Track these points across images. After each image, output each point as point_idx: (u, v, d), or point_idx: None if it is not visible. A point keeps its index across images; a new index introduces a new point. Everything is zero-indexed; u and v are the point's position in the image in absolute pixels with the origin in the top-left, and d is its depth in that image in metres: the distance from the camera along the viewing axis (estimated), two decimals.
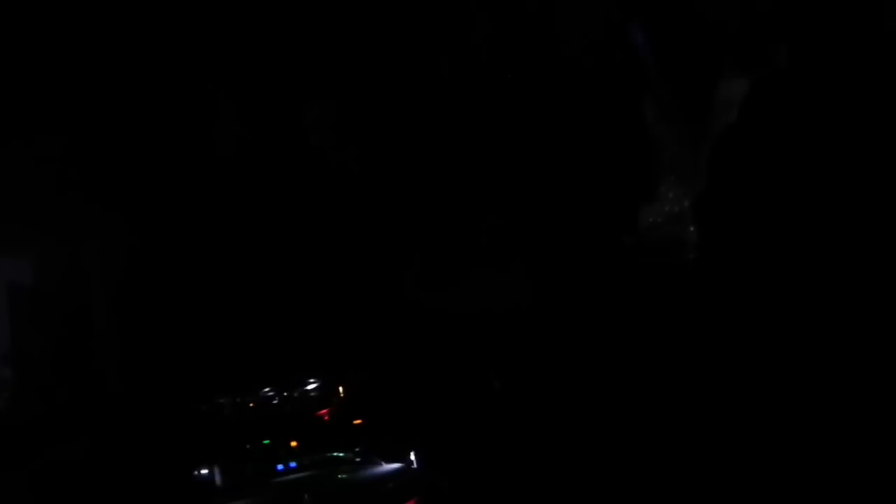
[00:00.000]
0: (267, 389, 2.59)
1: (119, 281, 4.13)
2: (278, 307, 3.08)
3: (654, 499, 1.87)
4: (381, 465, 1.91)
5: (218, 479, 2.00)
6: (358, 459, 1.96)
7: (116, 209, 4.14)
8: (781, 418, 1.77)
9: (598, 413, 1.94)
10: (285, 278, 3.00)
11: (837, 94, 1.83)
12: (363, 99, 2.30)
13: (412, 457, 1.86)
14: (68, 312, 4.42)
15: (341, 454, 2.03)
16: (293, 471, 2.10)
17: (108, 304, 4.22)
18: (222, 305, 3.40)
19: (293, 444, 2.29)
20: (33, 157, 4.46)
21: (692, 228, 1.86)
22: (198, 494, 2.00)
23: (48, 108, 4.33)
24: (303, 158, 2.51)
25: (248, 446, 2.27)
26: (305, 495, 1.76)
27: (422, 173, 2.17)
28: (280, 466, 2.14)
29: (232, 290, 3.49)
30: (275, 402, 2.55)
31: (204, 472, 2.05)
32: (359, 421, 2.36)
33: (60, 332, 4.36)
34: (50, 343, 4.35)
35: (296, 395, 2.57)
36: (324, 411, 2.47)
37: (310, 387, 2.57)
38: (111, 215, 4.15)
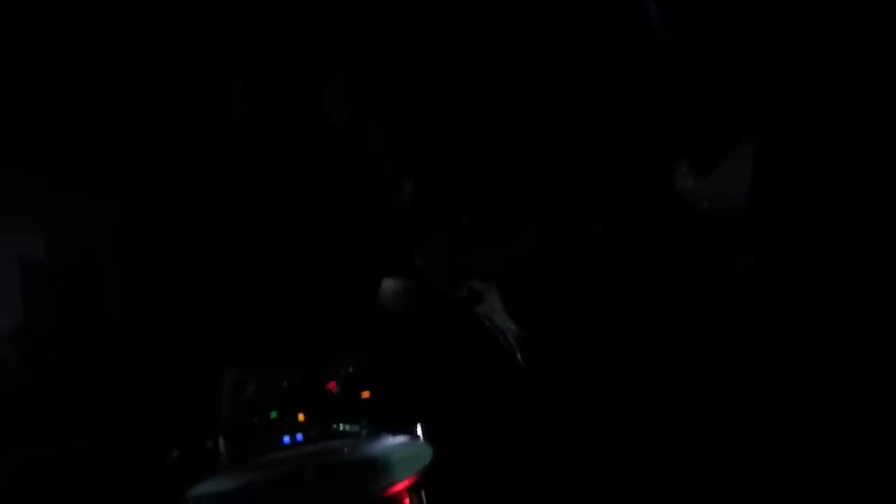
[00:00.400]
0: (275, 364, 2.60)
1: (130, 256, 4.14)
2: (286, 283, 3.09)
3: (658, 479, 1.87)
4: (387, 438, 1.91)
5: (223, 451, 2.01)
6: (363, 432, 1.97)
7: (130, 184, 4.15)
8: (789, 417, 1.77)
9: (615, 394, 1.93)
10: (293, 253, 3.00)
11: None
12: (383, 70, 2.27)
13: (418, 430, 1.86)
14: (80, 288, 4.44)
15: (346, 427, 2.03)
16: (300, 444, 2.11)
17: (119, 280, 4.23)
18: (231, 282, 3.41)
19: (300, 417, 2.30)
20: (48, 132, 4.47)
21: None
22: (204, 467, 2.01)
23: (62, 83, 4.33)
24: (321, 132, 2.50)
25: (254, 420, 2.28)
26: (310, 468, 1.76)
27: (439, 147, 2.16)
28: (287, 439, 2.14)
29: (240, 267, 3.49)
30: (283, 376, 2.56)
31: (210, 444, 2.06)
32: (366, 394, 2.36)
33: (72, 308, 4.38)
34: (62, 319, 4.37)
35: (303, 369, 2.58)
36: (331, 385, 2.48)
37: (317, 361, 2.58)
38: (125, 190, 4.16)
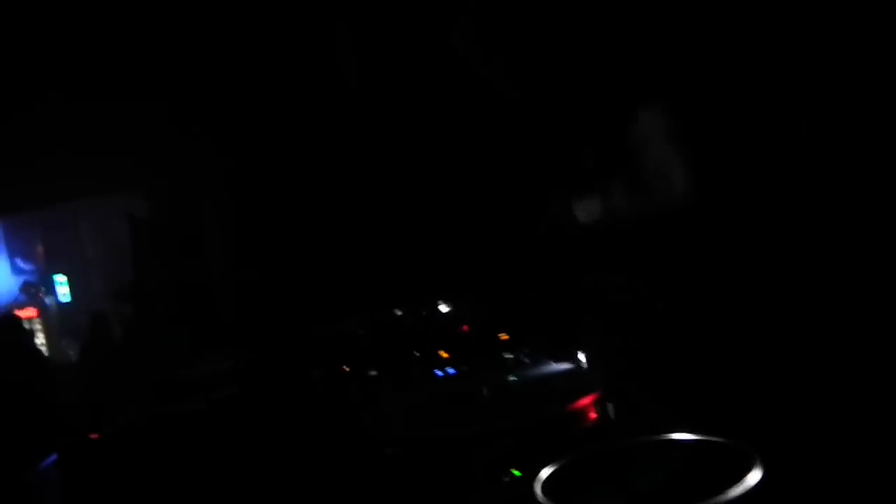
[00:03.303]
0: (401, 310, 2.68)
1: (241, 207, 4.22)
2: (416, 228, 3.14)
3: None
4: (551, 365, 1.97)
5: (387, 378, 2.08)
6: (526, 361, 2.03)
7: (235, 140, 4.23)
8: None
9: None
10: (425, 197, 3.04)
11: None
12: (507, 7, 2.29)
13: (581, 358, 1.92)
14: (188, 244, 4.53)
15: (510, 356, 2.09)
16: (453, 377, 2.17)
17: (230, 230, 4.32)
18: (356, 229, 3.48)
19: (443, 354, 2.37)
20: (150, 94, 4.57)
21: None
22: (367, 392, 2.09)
23: (164, 46, 4.42)
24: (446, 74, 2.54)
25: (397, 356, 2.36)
26: (484, 389, 1.82)
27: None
28: (439, 372, 2.21)
29: (363, 215, 3.56)
30: (411, 320, 2.63)
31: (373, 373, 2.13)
32: (505, 336, 2.43)
33: (180, 264, 4.48)
34: (171, 274, 4.46)
35: (433, 313, 2.65)
36: (465, 327, 2.55)
37: (445, 307, 2.65)
38: (230, 146, 4.24)
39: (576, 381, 1.81)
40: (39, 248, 9.44)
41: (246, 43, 4.00)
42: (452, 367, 2.23)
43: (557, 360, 1.97)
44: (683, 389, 1.92)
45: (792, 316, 1.75)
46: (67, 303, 9.01)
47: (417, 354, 2.35)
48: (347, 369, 2.15)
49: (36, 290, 8.99)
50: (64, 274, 9.07)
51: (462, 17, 2.28)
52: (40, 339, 8.32)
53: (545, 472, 1.34)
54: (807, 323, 1.74)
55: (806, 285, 1.78)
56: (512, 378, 1.95)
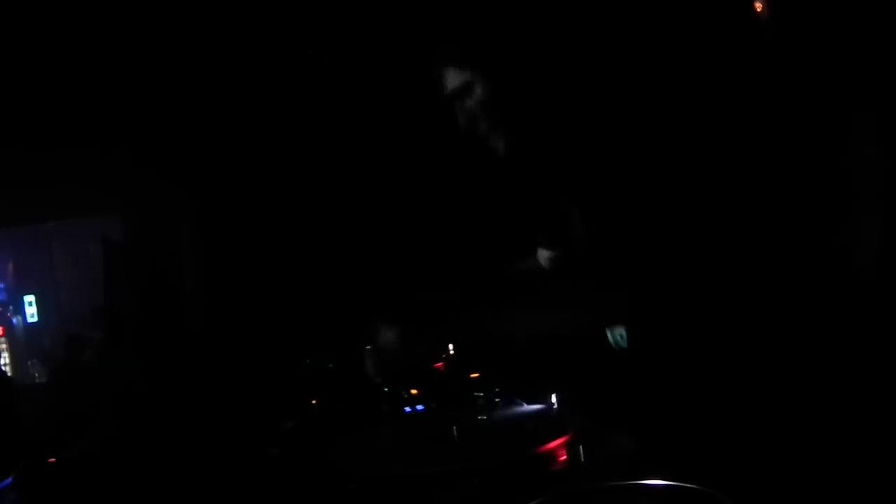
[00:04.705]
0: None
1: (213, 238, 4.19)
2: (380, 265, 3.12)
3: None
4: (522, 405, 1.95)
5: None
6: (497, 400, 2.00)
7: (212, 167, 4.21)
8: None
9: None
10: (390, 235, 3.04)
11: None
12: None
13: (553, 399, 1.90)
14: (160, 270, 4.48)
15: (480, 394, 2.07)
16: (422, 413, 2.14)
17: (200, 260, 4.28)
18: (325, 264, 3.46)
19: (413, 391, 2.34)
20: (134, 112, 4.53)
21: None
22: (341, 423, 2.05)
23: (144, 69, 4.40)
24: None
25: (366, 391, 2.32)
26: (453, 427, 1.80)
27: None
28: (408, 409, 2.18)
29: (332, 251, 3.54)
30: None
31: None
32: (475, 375, 2.40)
33: (152, 290, 4.43)
34: (143, 300, 4.41)
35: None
36: (439, 365, 2.52)
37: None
38: (206, 174, 4.22)
39: (547, 422, 1.78)
40: (11, 267, 9.30)
41: (221, 77, 4.00)
42: (422, 403, 2.20)
43: (529, 401, 1.95)
44: (656, 433, 1.90)
45: (770, 360, 1.74)
46: (34, 323, 8.84)
47: (387, 390, 2.31)
48: (315, 402, 2.12)
49: (3, 308, 8.86)
50: (34, 294, 8.91)
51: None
52: (4, 360, 8.19)
53: None
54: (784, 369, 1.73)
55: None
56: (482, 417, 1.92)
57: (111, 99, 4.46)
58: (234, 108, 4.03)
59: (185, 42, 4.09)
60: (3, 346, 8.37)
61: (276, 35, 3.82)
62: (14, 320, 8.82)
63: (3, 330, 8.54)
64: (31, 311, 8.85)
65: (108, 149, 4.54)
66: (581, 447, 1.62)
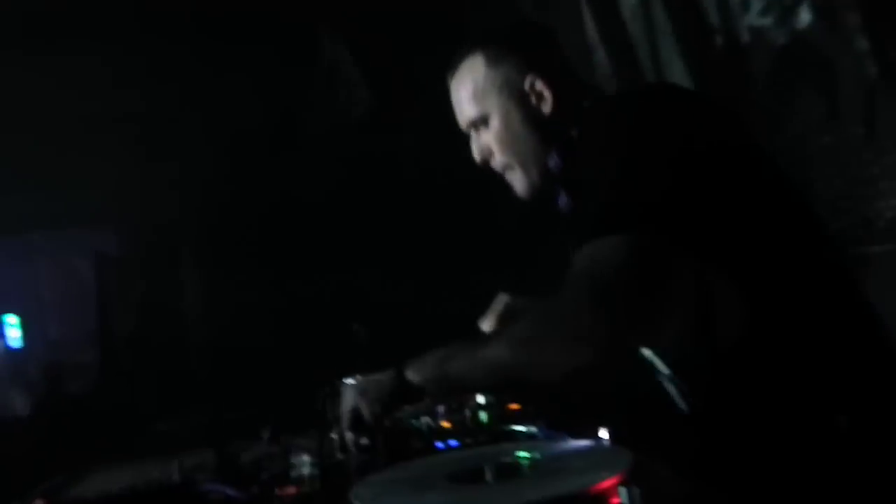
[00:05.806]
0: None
1: (212, 255, 4.03)
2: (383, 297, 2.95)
3: None
4: (568, 441, 1.74)
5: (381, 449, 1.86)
6: (540, 435, 1.81)
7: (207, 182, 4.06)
8: None
9: None
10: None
11: None
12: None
13: (602, 434, 1.70)
14: (157, 286, 4.30)
15: (521, 429, 1.87)
16: (455, 449, 1.95)
17: (199, 277, 4.12)
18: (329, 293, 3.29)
19: (445, 424, 2.15)
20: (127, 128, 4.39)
21: None
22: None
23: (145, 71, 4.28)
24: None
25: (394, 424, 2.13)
26: (488, 465, 1.60)
27: None
28: (440, 444, 1.99)
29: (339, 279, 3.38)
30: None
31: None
32: (515, 406, 2.21)
33: (147, 308, 4.26)
34: (138, 319, 4.23)
35: None
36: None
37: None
38: (204, 188, 4.08)
39: (595, 461, 1.58)
40: None
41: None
42: (455, 439, 2.01)
43: (575, 436, 1.75)
44: (715, 473, 1.71)
45: None
46: (18, 349, 7.69)
47: (416, 423, 2.13)
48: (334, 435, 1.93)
49: None
50: (16, 315, 7.70)
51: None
52: None
53: None
54: None
55: None
56: (522, 454, 1.72)
57: (111, 99, 4.34)
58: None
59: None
60: None
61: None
62: None
63: None
64: (15, 335, 7.67)
65: (102, 153, 4.35)
66: (635, 488, 1.42)
